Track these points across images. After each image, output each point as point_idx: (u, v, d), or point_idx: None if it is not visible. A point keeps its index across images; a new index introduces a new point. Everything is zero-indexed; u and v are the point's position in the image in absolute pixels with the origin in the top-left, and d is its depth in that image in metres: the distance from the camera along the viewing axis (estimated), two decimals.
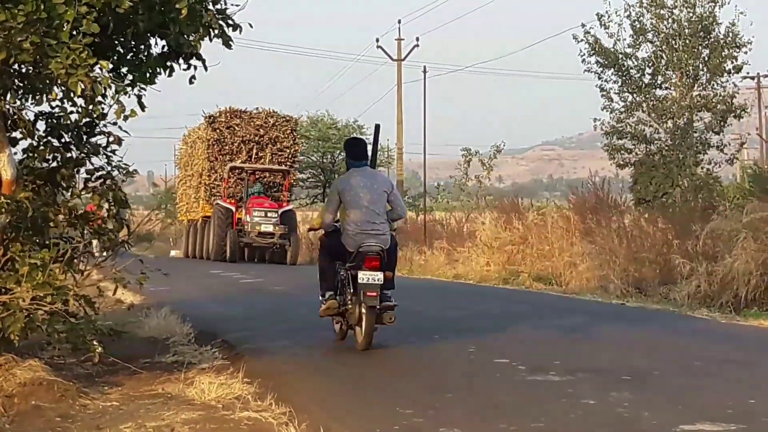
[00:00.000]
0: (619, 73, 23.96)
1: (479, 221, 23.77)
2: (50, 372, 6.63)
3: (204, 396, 6.42)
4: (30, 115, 7.13)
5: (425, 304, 13.13)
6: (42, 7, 6.00)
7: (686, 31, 23.35)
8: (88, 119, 7.12)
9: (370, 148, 9.46)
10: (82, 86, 6.13)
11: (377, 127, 9.82)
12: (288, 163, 31.72)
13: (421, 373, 7.72)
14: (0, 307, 6.44)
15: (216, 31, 7.14)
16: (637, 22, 23.87)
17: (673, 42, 23.46)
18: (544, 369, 7.61)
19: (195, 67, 7.44)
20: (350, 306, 8.63)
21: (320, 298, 8.90)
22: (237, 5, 7.36)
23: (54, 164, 7.32)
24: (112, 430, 5.58)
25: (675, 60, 23.43)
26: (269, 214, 28.29)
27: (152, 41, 7.35)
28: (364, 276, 8.40)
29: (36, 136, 7.20)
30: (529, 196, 41.23)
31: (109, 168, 7.33)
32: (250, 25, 7.41)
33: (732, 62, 23.64)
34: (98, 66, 6.19)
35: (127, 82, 7.22)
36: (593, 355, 8.78)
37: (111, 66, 6.92)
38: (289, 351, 8.74)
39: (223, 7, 7.28)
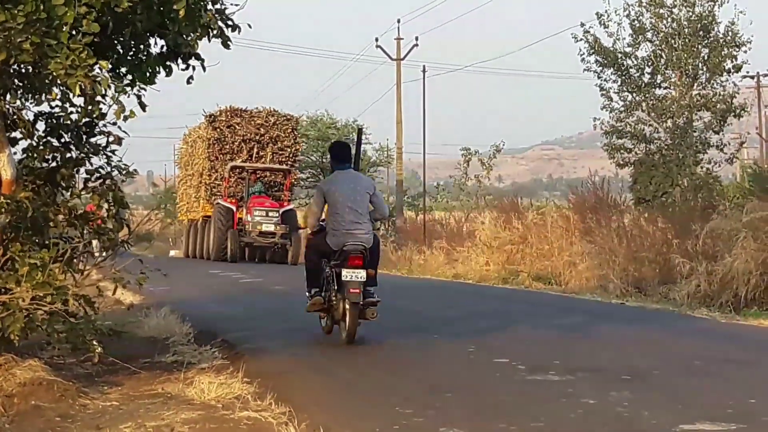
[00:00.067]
0: (619, 73, 23.96)
1: (479, 221, 23.79)
2: (50, 372, 6.63)
3: (204, 396, 6.42)
4: (30, 115, 7.15)
5: (425, 304, 13.13)
6: (42, 7, 6.01)
7: (686, 30, 23.35)
8: (87, 119, 7.12)
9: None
10: (82, 86, 6.14)
11: (360, 130, 10.43)
12: (289, 163, 31.60)
13: (420, 373, 7.71)
14: (0, 307, 6.44)
15: (215, 32, 7.15)
16: (636, 22, 23.89)
17: (673, 41, 23.47)
18: (544, 368, 7.62)
19: (194, 68, 7.45)
20: (335, 302, 8.96)
21: (307, 294, 9.23)
22: (236, 5, 7.38)
23: (54, 164, 7.33)
24: (111, 430, 5.58)
25: (674, 59, 23.43)
26: (270, 214, 28.23)
27: (151, 41, 7.36)
28: (347, 274, 8.76)
29: (36, 136, 7.20)
30: (529, 195, 41.26)
31: (109, 168, 7.34)
32: (249, 26, 7.42)
33: (731, 61, 23.66)
34: (98, 66, 6.20)
35: (126, 82, 7.22)
36: (593, 354, 8.78)
37: (110, 66, 6.91)
38: (288, 351, 8.76)
39: (222, 7, 7.28)
